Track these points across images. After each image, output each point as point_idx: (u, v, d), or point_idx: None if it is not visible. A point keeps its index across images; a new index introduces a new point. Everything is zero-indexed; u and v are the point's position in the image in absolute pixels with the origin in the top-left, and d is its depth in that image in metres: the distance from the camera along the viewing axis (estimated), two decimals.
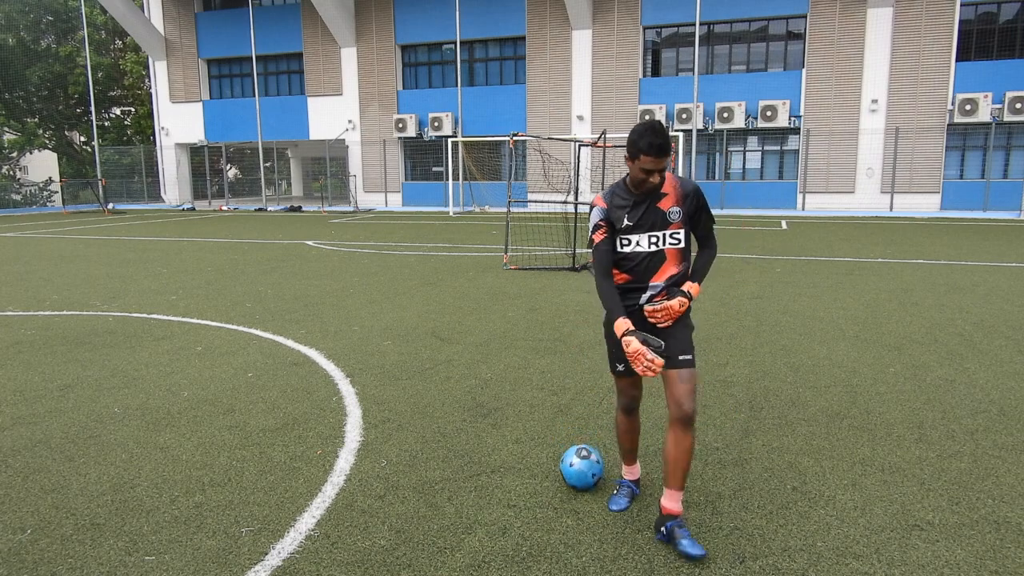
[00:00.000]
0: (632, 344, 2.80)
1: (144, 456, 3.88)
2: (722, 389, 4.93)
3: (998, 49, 22.34)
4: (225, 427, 4.30)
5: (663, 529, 2.93)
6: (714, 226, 3.09)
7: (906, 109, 22.79)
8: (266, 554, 2.90)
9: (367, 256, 12.72)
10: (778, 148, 24.81)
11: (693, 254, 3.07)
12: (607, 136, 11.49)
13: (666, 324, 2.95)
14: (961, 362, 5.55)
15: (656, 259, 2.98)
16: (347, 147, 29.65)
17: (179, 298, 8.63)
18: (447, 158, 26.33)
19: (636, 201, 2.96)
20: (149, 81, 34.67)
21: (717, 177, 25.38)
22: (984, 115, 21.58)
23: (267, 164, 35.24)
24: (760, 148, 25.08)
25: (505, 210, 15.91)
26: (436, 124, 27.37)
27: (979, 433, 4.10)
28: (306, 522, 3.15)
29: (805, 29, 23.58)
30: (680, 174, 22.30)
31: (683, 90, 24.48)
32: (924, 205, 22.97)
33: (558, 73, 26.19)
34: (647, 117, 24.19)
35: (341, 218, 23.36)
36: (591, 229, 3.01)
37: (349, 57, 28.90)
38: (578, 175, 11.98)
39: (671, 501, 2.94)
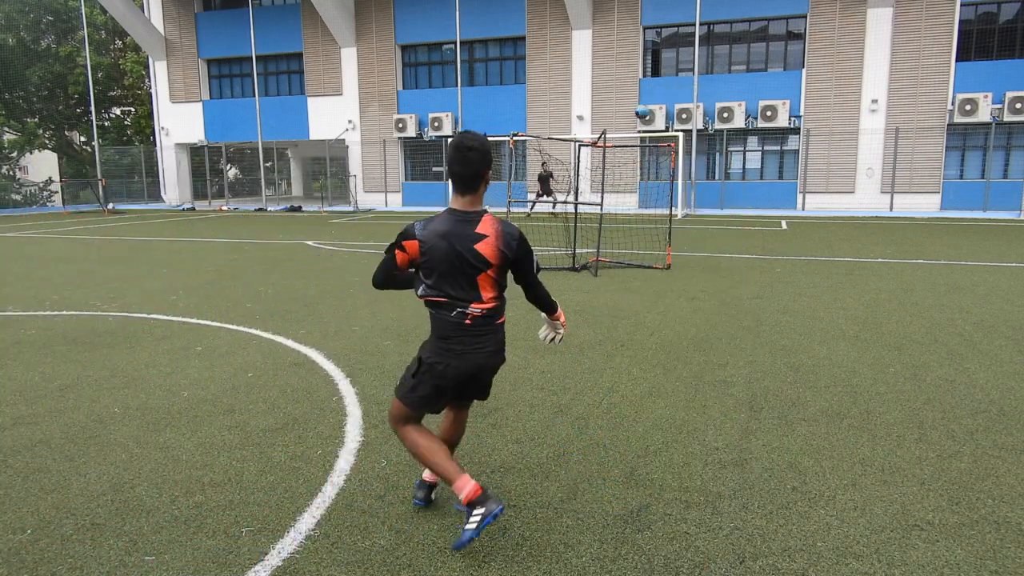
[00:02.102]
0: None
1: (144, 456, 3.88)
2: (722, 389, 4.93)
3: (998, 49, 22.33)
4: (225, 427, 4.30)
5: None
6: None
7: (906, 109, 22.78)
8: (266, 554, 2.90)
9: (367, 256, 12.71)
10: (778, 148, 24.80)
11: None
12: (607, 136, 11.48)
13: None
14: (961, 362, 5.55)
15: None
16: (347, 147, 29.64)
17: (179, 298, 8.63)
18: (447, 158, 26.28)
19: None
20: (149, 81, 34.66)
21: (717, 177, 25.38)
22: (984, 115, 21.57)
23: (267, 164, 35.25)
24: (760, 148, 25.07)
25: (505, 210, 15.89)
26: (436, 124, 27.37)
27: (979, 433, 4.10)
28: (306, 522, 3.15)
29: (805, 29, 23.57)
30: (680, 174, 22.35)
31: (683, 90, 24.47)
32: (924, 205, 22.96)
33: (558, 73, 26.18)
34: (647, 118, 24.30)
35: (341, 218, 23.35)
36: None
37: (349, 57, 28.89)
38: (578, 175, 11.99)
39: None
